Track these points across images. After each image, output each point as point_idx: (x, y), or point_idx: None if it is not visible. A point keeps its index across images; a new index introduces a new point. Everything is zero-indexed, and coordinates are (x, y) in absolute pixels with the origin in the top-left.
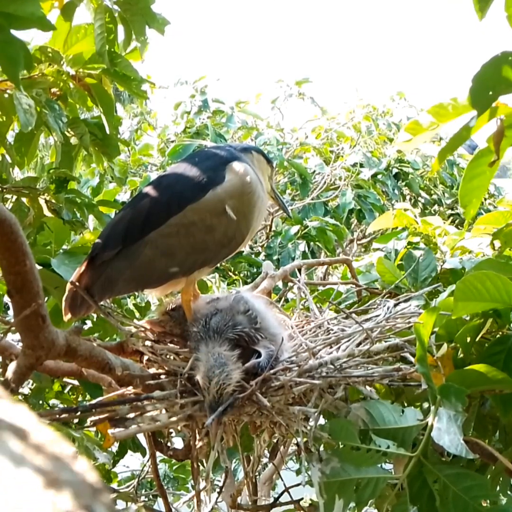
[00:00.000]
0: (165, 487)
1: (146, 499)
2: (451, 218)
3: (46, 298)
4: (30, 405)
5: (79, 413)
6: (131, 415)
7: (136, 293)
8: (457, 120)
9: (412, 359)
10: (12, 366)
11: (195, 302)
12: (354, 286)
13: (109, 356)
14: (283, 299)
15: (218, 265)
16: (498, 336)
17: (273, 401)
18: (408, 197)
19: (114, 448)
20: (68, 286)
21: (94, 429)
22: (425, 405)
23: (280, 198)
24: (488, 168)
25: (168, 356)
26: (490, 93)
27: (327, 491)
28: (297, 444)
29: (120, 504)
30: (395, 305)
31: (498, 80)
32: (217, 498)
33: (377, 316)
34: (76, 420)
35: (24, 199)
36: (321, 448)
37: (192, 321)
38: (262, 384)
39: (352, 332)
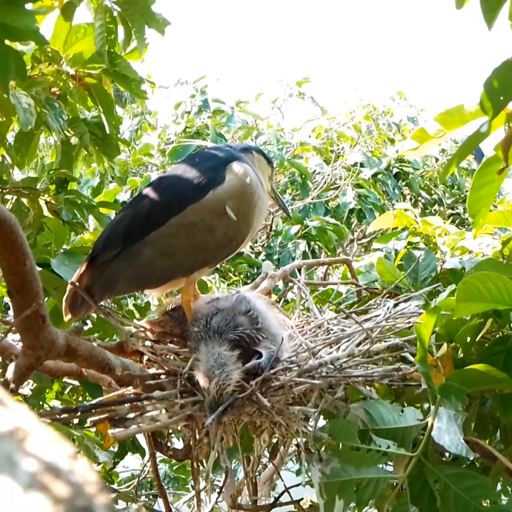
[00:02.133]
0: (165, 487)
1: (146, 499)
2: (451, 218)
3: (46, 299)
4: (30, 406)
5: (79, 413)
6: (131, 415)
7: (136, 294)
8: (465, 127)
9: (412, 359)
10: (12, 366)
11: (195, 302)
12: (354, 286)
13: (109, 356)
14: (283, 299)
15: (218, 265)
16: (498, 336)
17: (273, 401)
18: (408, 197)
19: (114, 449)
20: (68, 286)
21: (94, 429)
22: (426, 405)
23: (281, 198)
24: (497, 177)
25: (168, 356)
26: (501, 98)
27: (327, 491)
28: (297, 445)
29: (121, 504)
30: (395, 305)
31: (509, 84)
32: (217, 498)
33: (377, 316)
34: (76, 420)
35: (24, 200)
36: (322, 449)
37: (192, 321)
38: (262, 384)
39: (352, 332)
